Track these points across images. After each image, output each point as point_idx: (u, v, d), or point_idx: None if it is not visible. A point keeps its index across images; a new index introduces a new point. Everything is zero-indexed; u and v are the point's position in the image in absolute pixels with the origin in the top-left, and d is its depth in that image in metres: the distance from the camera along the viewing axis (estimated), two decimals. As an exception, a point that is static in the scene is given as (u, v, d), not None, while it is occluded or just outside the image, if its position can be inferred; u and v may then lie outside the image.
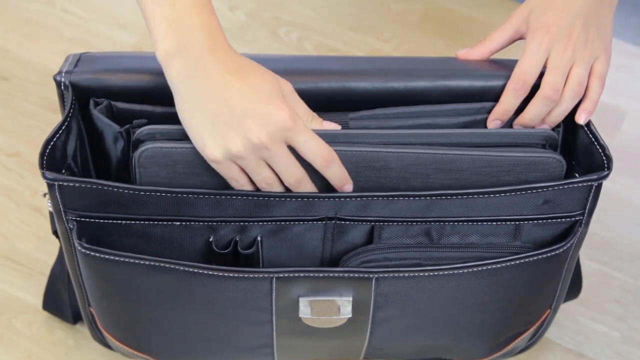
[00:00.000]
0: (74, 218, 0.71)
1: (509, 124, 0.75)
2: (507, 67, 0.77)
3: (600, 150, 0.72)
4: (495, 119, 0.74)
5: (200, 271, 0.70)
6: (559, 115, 0.74)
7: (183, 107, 0.67)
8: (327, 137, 0.69)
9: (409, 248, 0.73)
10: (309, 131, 0.67)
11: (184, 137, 0.70)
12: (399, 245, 0.73)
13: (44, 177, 0.68)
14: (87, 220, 0.71)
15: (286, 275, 0.71)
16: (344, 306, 0.73)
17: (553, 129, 0.75)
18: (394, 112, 0.74)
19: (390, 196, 0.70)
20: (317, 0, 1.22)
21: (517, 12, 0.76)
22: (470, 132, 0.73)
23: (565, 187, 0.71)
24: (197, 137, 0.67)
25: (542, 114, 0.74)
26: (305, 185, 0.69)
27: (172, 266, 0.70)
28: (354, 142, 0.71)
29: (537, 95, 0.73)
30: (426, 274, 0.71)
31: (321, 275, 0.71)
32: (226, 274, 0.70)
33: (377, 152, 0.70)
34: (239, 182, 0.69)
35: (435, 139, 0.72)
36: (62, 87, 0.73)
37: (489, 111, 0.75)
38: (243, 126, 0.65)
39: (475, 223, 0.73)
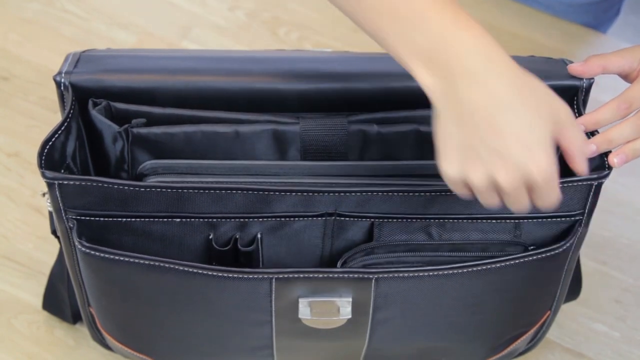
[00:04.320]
0: (73, 217, 0.71)
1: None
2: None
3: None
4: (580, 124, 0.71)
5: (200, 271, 0.70)
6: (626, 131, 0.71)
7: (444, 121, 0.62)
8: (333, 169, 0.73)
9: (409, 247, 0.74)
10: (554, 185, 0.64)
11: (186, 171, 0.72)
12: (399, 244, 0.73)
13: (44, 176, 0.68)
14: (87, 218, 0.71)
15: (286, 276, 0.71)
16: (344, 307, 0.73)
17: None
18: (393, 116, 0.74)
19: (390, 191, 0.71)
20: (317, 0, 1.22)
21: (637, 47, 0.75)
22: None
23: (565, 185, 0.71)
24: (442, 148, 0.63)
25: (628, 137, 0.71)
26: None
27: (172, 266, 0.70)
28: (354, 175, 0.73)
29: (635, 114, 0.71)
30: (426, 274, 0.71)
31: (321, 276, 0.71)
32: (225, 275, 0.70)
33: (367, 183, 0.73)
34: (465, 195, 0.66)
35: (425, 170, 0.73)
36: (62, 88, 0.73)
37: None
38: (492, 164, 0.61)
39: (475, 220, 0.73)
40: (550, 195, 0.64)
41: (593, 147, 0.71)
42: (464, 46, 0.61)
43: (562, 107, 0.64)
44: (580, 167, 0.66)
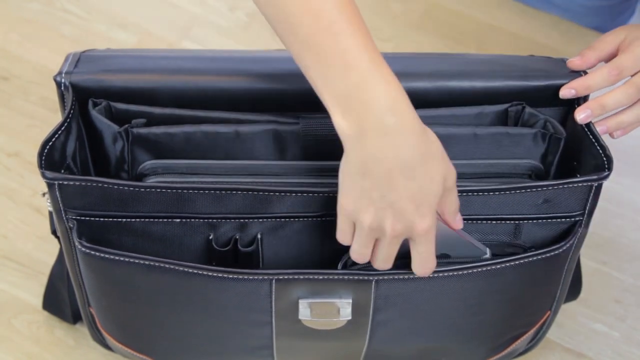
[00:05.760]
0: (73, 217, 0.71)
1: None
2: (507, 66, 0.77)
3: (600, 151, 0.72)
4: (571, 88, 0.74)
5: (200, 272, 0.70)
6: (632, 116, 0.75)
7: (349, 163, 0.65)
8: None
9: (409, 248, 0.73)
10: (431, 245, 0.68)
11: (185, 170, 0.72)
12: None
13: (44, 176, 0.68)
14: (87, 219, 0.71)
15: (286, 277, 0.71)
16: (344, 308, 0.73)
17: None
18: None
19: None
20: (317, 0, 1.22)
21: (618, 29, 0.77)
22: (459, 163, 0.73)
23: (565, 186, 0.71)
24: (344, 185, 0.66)
25: (620, 102, 0.74)
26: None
27: (172, 266, 0.70)
28: None
29: (626, 82, 0.74)
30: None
31: (321, 277, 0.71)
32: (226, 275, 0.70)
33: None
34: (344, 236, 0.69)
35: None
36: (62, 88, 0.73)
37: (488, 116, 0.75)
38: (384, 211, 0.65)
39: (475, 222, 0.73)
40: (425, 257, 0.68)
41: (588, 111, 0.73)
42: (380, 101, 0.63)
43: (450, 174, 0.67)
44: (454, 224, 0.69)
